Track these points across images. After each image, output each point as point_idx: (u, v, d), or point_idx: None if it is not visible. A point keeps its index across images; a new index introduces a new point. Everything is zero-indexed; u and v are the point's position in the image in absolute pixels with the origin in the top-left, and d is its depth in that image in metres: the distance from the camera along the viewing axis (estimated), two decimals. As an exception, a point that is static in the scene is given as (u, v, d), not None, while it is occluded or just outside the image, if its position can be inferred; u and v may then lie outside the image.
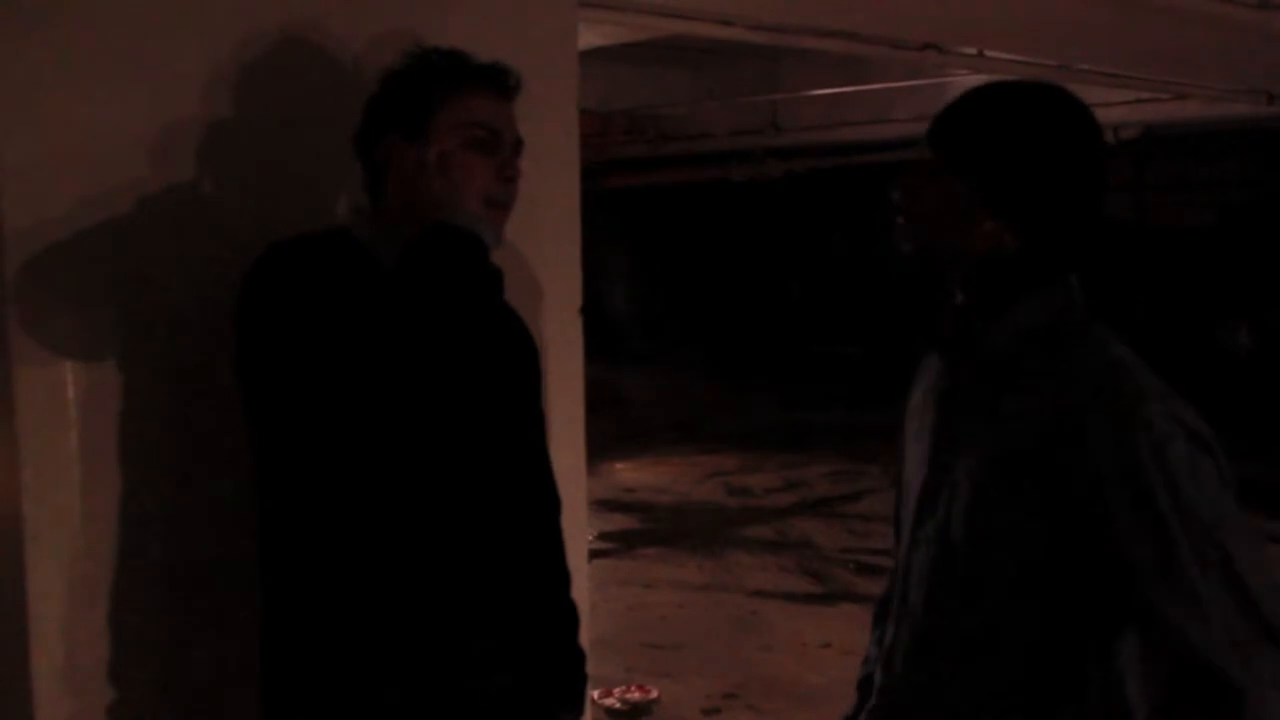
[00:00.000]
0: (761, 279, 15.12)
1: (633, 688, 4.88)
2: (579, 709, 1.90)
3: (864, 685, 1.84)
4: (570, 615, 1.92)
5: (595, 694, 4.53)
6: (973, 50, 5.06)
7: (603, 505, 7.89)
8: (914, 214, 1.61)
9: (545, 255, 2.34)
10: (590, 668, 1.97)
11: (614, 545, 7.10)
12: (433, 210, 1.64)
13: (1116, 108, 7.29)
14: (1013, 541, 1.50)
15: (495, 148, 1.72)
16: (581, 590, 2.45)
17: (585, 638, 1.96)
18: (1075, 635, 1.51)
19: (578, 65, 2.40)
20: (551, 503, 1.89)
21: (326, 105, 2.01)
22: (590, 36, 4.54)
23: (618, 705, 4.77)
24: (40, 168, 1.79)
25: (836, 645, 5.43)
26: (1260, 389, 10.75)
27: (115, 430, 1.86)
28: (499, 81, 1.75)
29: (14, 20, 1.76)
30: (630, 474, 9.20)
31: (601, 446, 8.71)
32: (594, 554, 6.29)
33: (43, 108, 1.79)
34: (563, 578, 1.91)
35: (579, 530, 2.50)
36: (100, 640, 1.88)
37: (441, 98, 1.71)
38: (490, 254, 1.63)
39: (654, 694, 4.87)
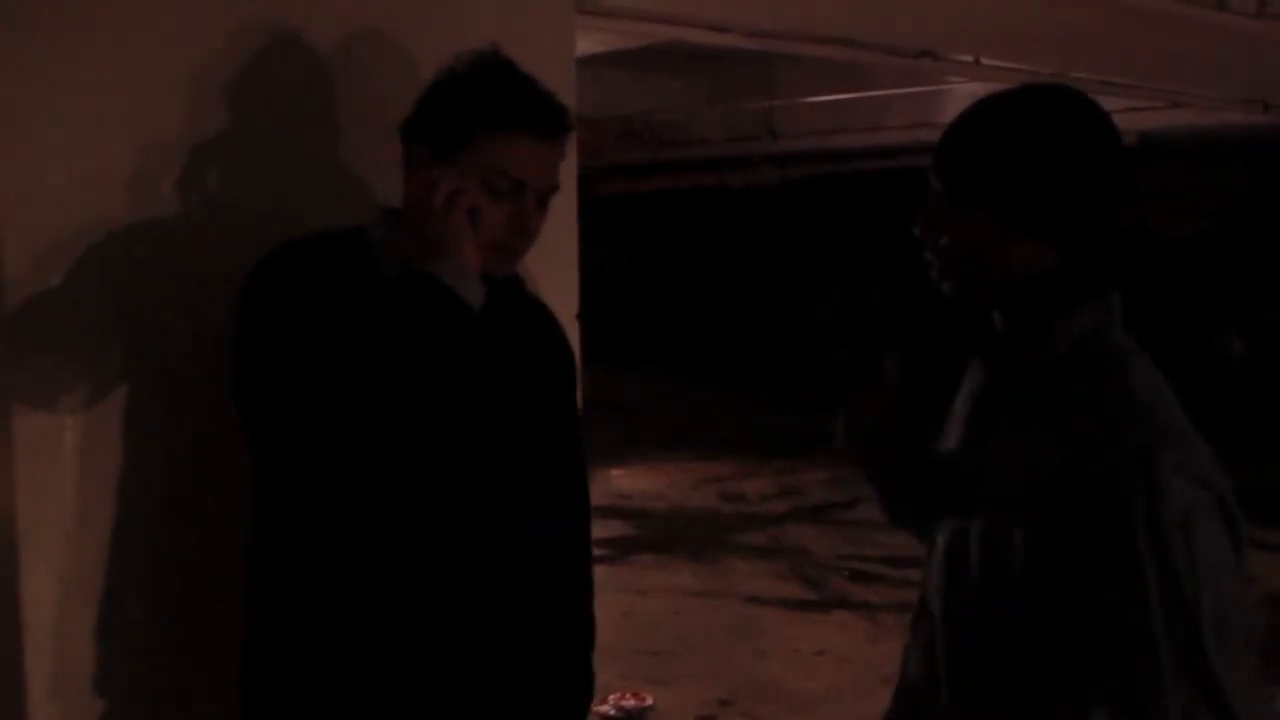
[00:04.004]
0: (757, 284, 15.13)
1: (627, 694, 4.88)
2: None
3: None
4: (587, 627, 1.90)
5: (590, 700, 4.52)
6: (969, 57, 5.06)
7: (598, 511, 7.83)
8: (948, 252, 1.53)
9: (543, 261, 2.33)
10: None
11: (609, 551, 7.08)
12: (425, 247, 1.57)
13: (1111, 115, 7.29)
14: (1015, 565, 1.47)
15: (516, 197, 1.63)
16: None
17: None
18: (1067, 671, 1.46)
19: (575, 72, 2.40)
20: (572, 511, 1.87)
21: (322, 116, 2.01)
22: (586, 43, 4.54)
23: (612, 712, 4.76)
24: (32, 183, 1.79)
25: (831, 652, 5.42)
26: (1254, 395, 10.77)
27: (109, 436, 1.86)
28: (544, 126, 1.64)
29: None
30: (625, 480, 9.19)
31: (597, 452, 8.66)
32: (589, 560, 6.26)
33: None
34: (580, 587, 1.89)
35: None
36: (93, 647, 1.87)
37: (478, 133, 1.61)
38: (470, 311, 1.54)
39: (649, 700, 4.86)
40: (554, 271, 2.37)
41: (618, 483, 9.07)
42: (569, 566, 1.86)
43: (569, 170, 2.42)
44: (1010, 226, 1.48)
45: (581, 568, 1.89)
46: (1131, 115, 7.26)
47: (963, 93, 7.62)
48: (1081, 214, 1.48)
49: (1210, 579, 1.37)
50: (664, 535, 7.68)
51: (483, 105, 1.62)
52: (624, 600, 6.17)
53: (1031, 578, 1.45)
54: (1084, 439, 1.41)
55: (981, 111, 1.53)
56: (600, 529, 8.47)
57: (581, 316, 2.44)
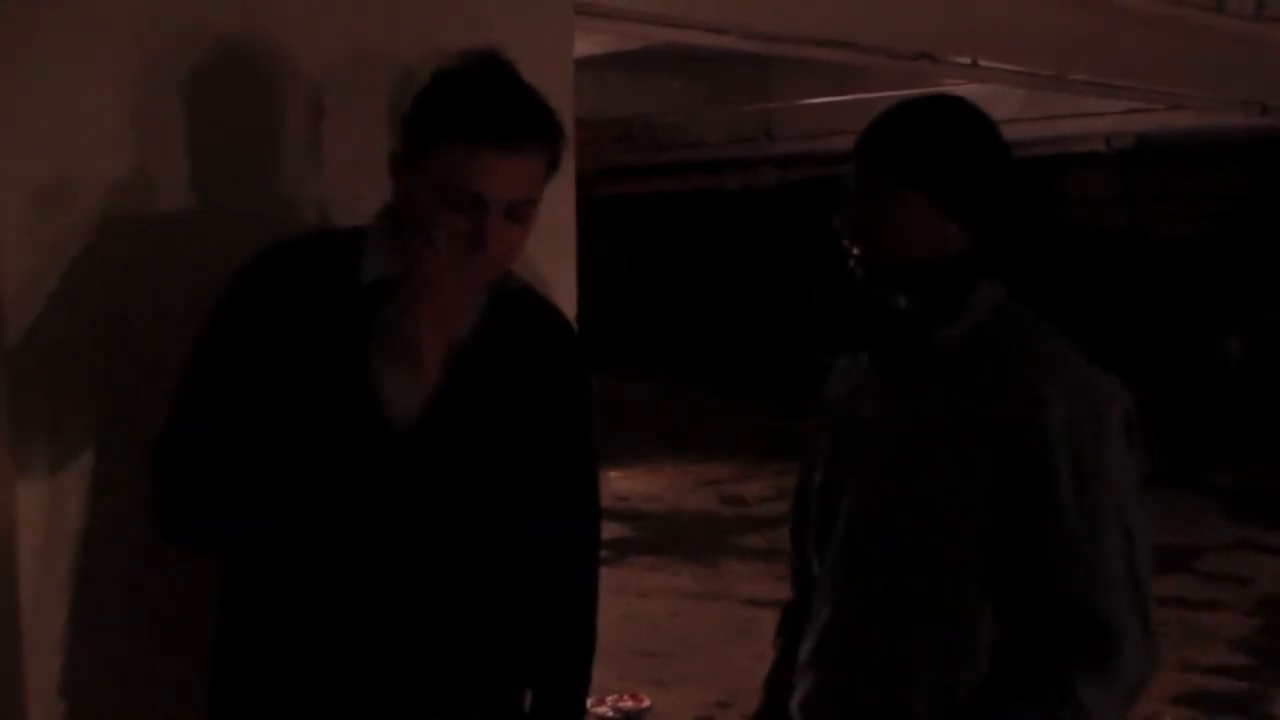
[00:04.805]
0: (756, 286, 15.13)
1: (626, 696, 4.88)
2: None
3: (775, 683, 1.97)
4: (587, 630, 1.88)
5: (589, 702, 4.52)
6: (966, 60, 5.07)
7: (596, 513, 7.87)
8: (877, 237, 1.72)
9: (540, 264, 2.33)
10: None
11: (607, 553, 7.08)
12: (406, 262, 1.56)
13: (1109, 117, 7.30)
14: (959, 510, 1.64)
15: (476, 211, 1.55)
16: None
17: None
18: (991, 606, 1.65)
19: (573, 74, 2.40)
20: (576, 513, 1.89)
21: (319, 117, 2.00)
22: (584, 44, 4.54)
23: (610, 714, 4.76)
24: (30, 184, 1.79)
25: (830, 654, 5.42)
26: (1252, 398, 10.77)
27: (95, 439, 1.85)
28: (500, 138, 1.53)
29: None
30: (624, 482, 9.19)
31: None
32: (587, 562, 6.26)
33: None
34: (583, 590, 1.89)
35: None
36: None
37: (436, 142, 1.55)
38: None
39: (647, 702, 4.87)
40: (551, 274, 2.37)
41: (616, 484, 9.07)
42: (572, 569, 1.85)
43: (567, 173, 2.42)
44: (947, 211, 1.68)
45: (586, 571, 1.89)
46: (1130, 117, 7.28)
47: (961, 95, 7.61)
48: (1001, 201, 1.72)
49: (1137, 503, 1.63)
50: (662, 537, 7.68)
51: (439, 115, 1.56)
52: (622, 602, 6.16)
53: (985, 529, 1.63)
54: (1028, 384, 1.62)
55: (920, 112, 1.76)
56: (599, 531, 8.32)
57: (580, 319, 2.44)
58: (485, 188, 1.53)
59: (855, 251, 1.74)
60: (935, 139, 1.70)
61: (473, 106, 1.54)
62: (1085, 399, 1.62)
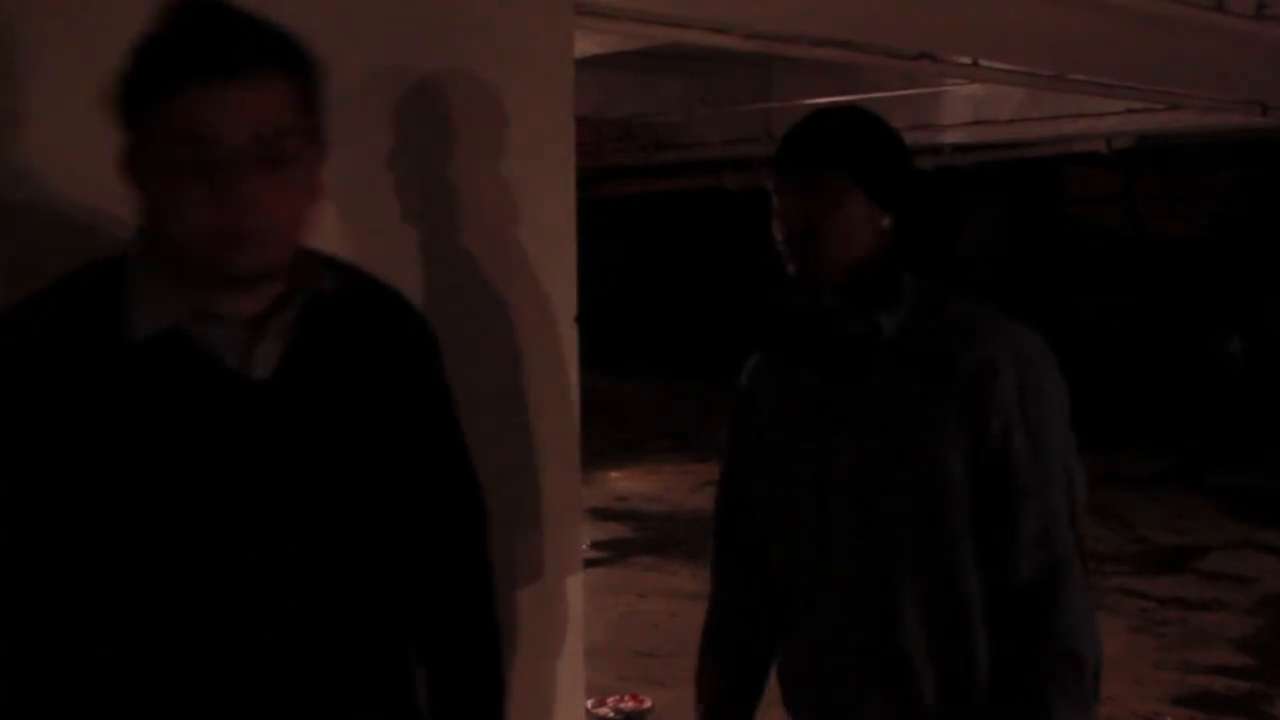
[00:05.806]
0: (756, 287, 15.14)
1: (626, 697, 4.87)
2: None
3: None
4: (486, 634, 1.66)
5: (589, 703, 4.52)
6: (967, 59, 5.07)
7: (595, 514, 7.88)
8: (826, 235, 1.75)
9: (540, 264, 2.33)
10: (583, 677, 1.94)
11: (607, 554, 7.08)
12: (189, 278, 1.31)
13: (1110, 117, 7.30)
14: (940, 471, 1.71)
15: (212, 164, 1.23)
16: (575, 599, 2.44)
17: (578, 650, 1.91)
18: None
19: (574, 74, 2.40)
20: (455, 509, 1.64)
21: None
22: (585, 44, 4.54)
23: (610, 714, 4.76)
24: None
25: (830, 654, 5.41)
26: (1253, 398, 10.78)
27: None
28: (223, 65, 1.22)
29: None
30: (623, 482, 9.19)
31: (595, 454, 8.65)
32: (587, 562, 6.25)
33: None
34: (472, 592, 1.65)
35: (573, 538, 2.50)
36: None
37: (146, 105, 1.24)
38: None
39: (647, 703, 4.86)
40: (551, 275, 2.37)
41: (615, 485, 9.07)
42: (455, 570, 1.64)
43: (567, 173, 2.42)
44: (881, 203, 1.78)
45: (472, 570, 1.65)
46: (1130, 117, 7.27)
47: (961, 95, 7.62)
48: (914, 189, 1.83)
49: (1068, 439, 1.76)
50: (662, 537, 7.67)
51: (139, 74, 1.25)
52: (622, 602, 6.15)
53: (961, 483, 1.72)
54: (983, 347, 1.72)
55: (842, 117, 1.82)
56: (598, 531, 8.49)
57: (580, 319, 2.44)
58: (212, 125, 1.22)
59: (800, 254, 1.78)
60: (866, 138, 1.78)
61: (170, 46, 1.24)
62: (1027, 361, 1.74)
